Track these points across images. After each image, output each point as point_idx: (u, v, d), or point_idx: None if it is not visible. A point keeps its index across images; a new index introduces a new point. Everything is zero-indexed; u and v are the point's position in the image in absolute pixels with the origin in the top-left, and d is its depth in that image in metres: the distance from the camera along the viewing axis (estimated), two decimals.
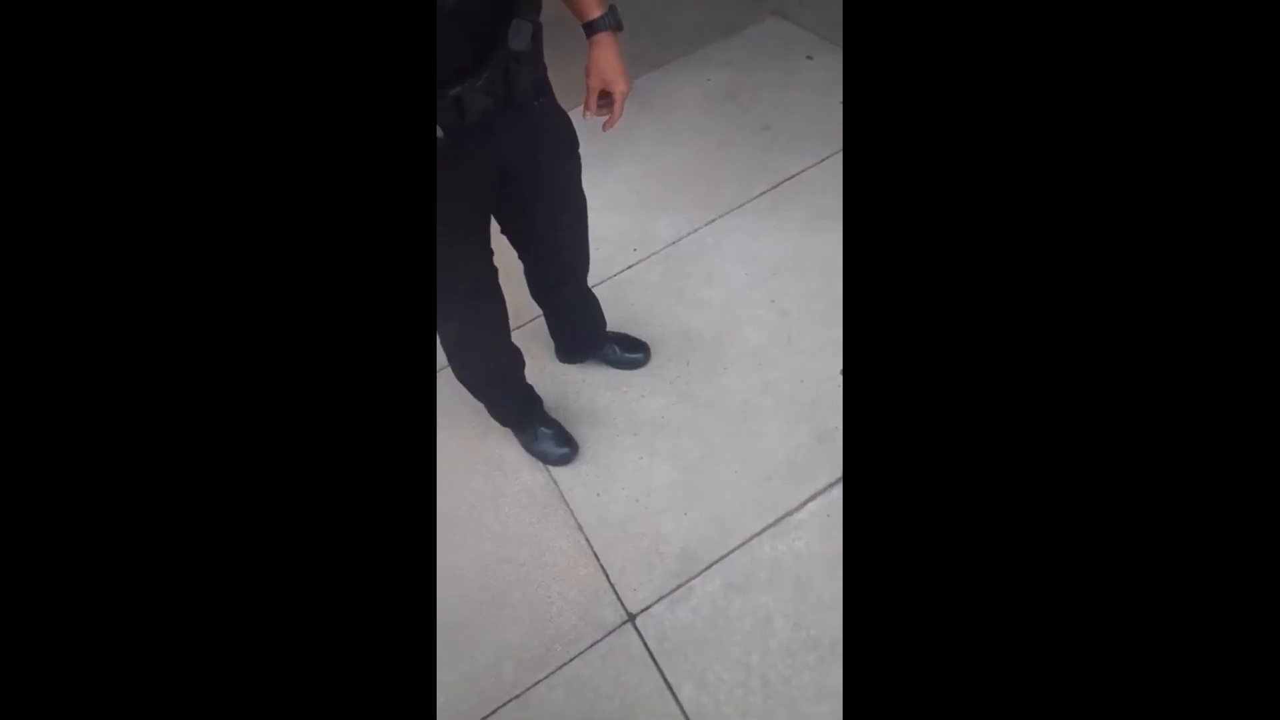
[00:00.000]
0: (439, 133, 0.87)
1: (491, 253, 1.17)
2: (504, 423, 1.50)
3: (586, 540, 1.39)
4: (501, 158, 1.02)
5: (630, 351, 1.62)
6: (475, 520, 1.44)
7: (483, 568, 1.37)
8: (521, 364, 1.39)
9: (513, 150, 1.02)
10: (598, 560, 1.36)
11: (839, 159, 2.02)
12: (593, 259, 1.39)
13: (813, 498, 1.39)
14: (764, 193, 1.97)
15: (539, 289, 1.39)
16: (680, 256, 1.86)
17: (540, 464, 1.50)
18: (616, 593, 1.31)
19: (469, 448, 1.55)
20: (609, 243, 1.86)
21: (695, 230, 1.91)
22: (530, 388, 1.46)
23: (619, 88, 1.03)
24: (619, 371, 1.63)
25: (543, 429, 1.49)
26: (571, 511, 1.43)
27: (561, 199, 1.19)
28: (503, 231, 1.19)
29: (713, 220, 1.92)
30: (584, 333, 1.58)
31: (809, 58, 2.36)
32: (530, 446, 1.50)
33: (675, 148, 2.13)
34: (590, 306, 1.52)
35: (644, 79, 2.34)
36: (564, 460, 1.48)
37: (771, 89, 2.26)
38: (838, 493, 1.39)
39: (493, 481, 1.50)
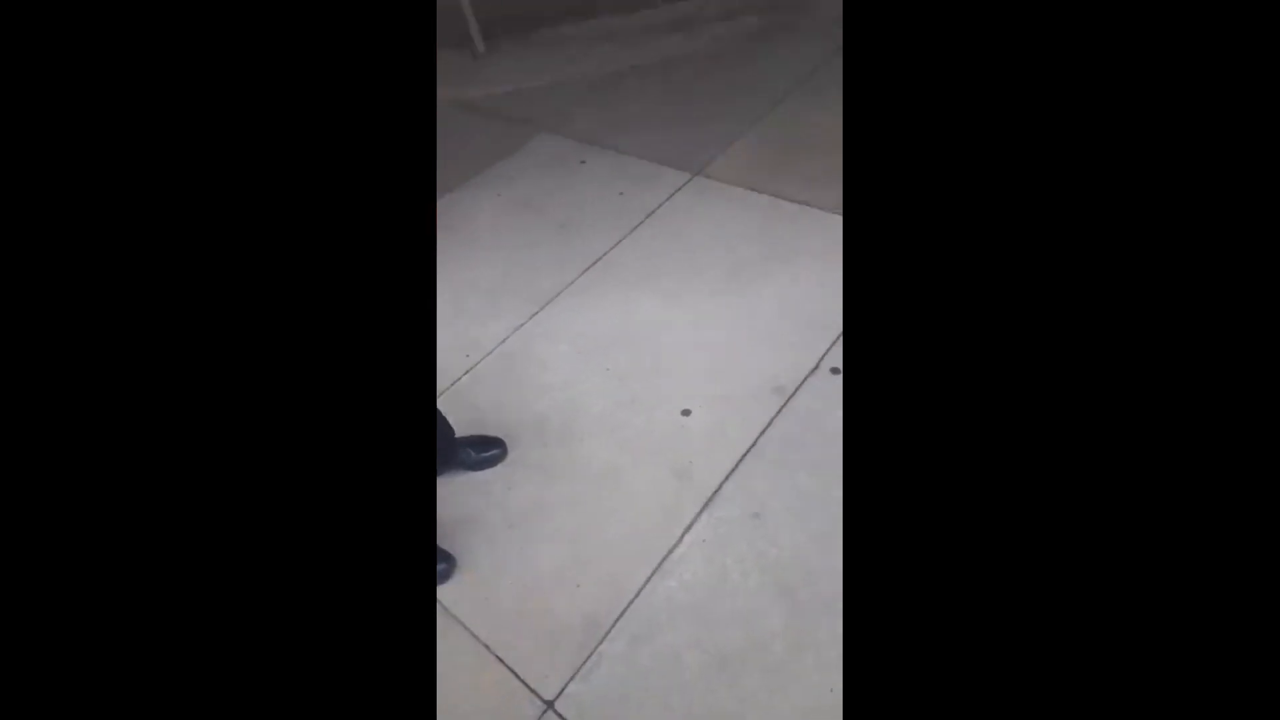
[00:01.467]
0: None
1: None
2: None
3: (486, 647, 1.32)
4: None
5: (485, 450, 1.62)
6: None
7: None
8: None
9: None
10: (502, 663, 1.29)
11: (630, 239, 2.23)
12: None
13: (687, 529, 1.44)
14: (575, 279, 2.12)
15: None
16: (513, 352, 1.91)
17: None
18: (529, 686, 1.25)
19: None
20: (442, 355, 1.88)
21: (522, 325, 1.98)
22: None
23: None
24: (482, 473, 1.61)
25: None
26: (464, 625, 1.36)
27: None
28: None
29: (536, 312, 2.02)
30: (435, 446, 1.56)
31: (582, 162, 2.62)
32: None
33: (485, 257, 2.24)
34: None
35: (441, 202, 2.45)
36: (443, 577, 1.42)
37: (558, 192, 2.47)
38: (706, 519, 1.46)
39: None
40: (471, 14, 3.16)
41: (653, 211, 2.32)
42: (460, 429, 1.60)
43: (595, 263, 2.16)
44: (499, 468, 1.62)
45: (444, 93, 3.10)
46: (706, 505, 1.48)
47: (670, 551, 1.41)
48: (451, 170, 2.62)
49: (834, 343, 1.76)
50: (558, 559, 1.44)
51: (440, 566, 1.42)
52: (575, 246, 2.23)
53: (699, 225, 2.23)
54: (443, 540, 1.47)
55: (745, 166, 2.43)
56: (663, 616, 1.31)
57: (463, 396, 1.79)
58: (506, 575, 1.42)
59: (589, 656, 1.28)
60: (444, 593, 1.41)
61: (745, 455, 1.57)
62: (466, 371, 1.87)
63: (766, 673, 1.22)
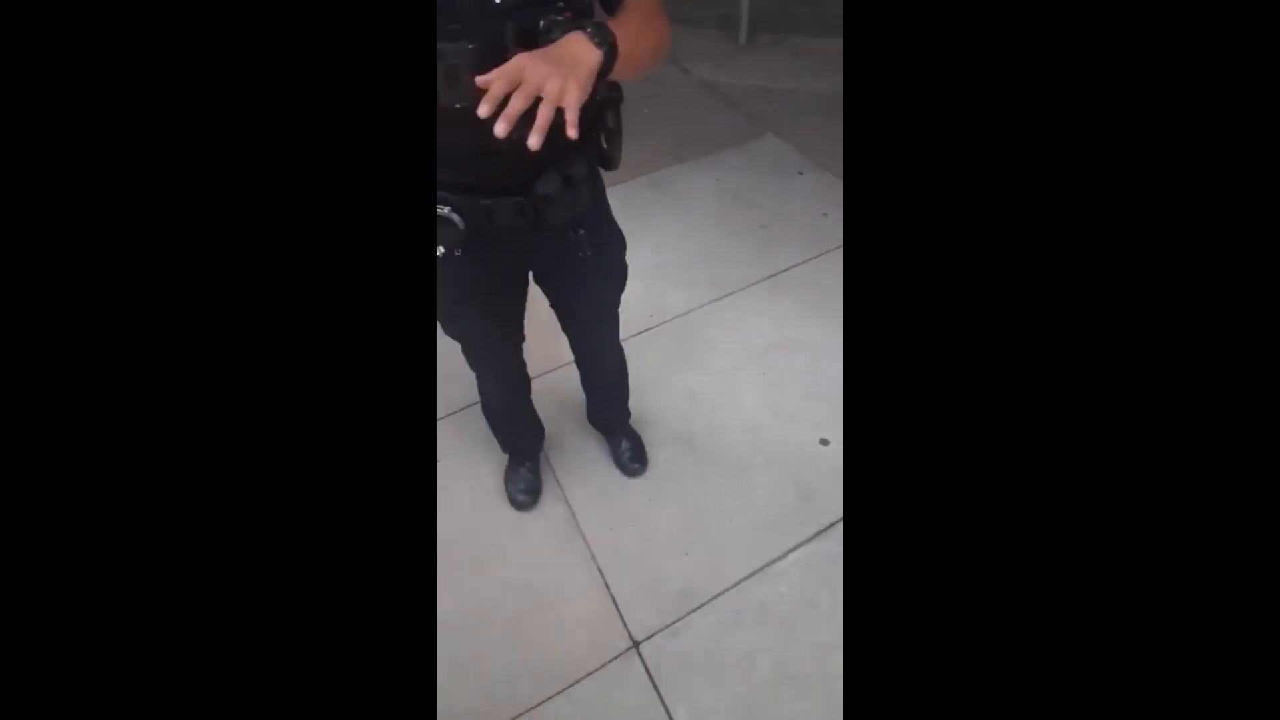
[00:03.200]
0: (459, 223, 0.78)
1: (515, 348, 1.19)
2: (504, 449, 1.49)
3: (599, 570, 1.39)
4: (526, 261, 0.98)
5: (634, 461, 1.54)
6: (499, 545, 1.43)
7: (504, 589, 1.35)
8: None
9: (540, 258, 0.96)
10: (608, 590, 1.36)
11: (820, 262, 2.13)
12: None
13: (794, 548, 1.42)
14: (760, 280, 2.06)
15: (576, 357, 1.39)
16: (688, 326, 1.92)
17: (561, 496, 1.50)
18: (624, 621, 1.31)
19: (498, 481, 1.54)
20: (630, 307, 1.89)
21: (703, 305, 1.97)
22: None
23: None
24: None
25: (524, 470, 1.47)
26: (587, 543, 1.43)
27: (588, 322, 1.19)
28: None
29: (718, 298, 2.00)
30: (604, 416, 1.56)
31: (800, 173, 2.50)
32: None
33: (690, 232, 2.22)
34: (614, 396, 1.50)
35: (666, 172, 2.45)
36: (524, 506, 1.47)
37: (769, 194, 2.39)
38: (816, 546, 1.43)
39: (516, 511, 1.49)
40: (747, 2, 3.03)
41: None
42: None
43: (782, 271, 2.10)
44: (649, 423, 1.65)
45: (699, 71, 3.03)
46: (819, 534, 1.45)
47: (774, 562, 1.40)
48: (685, 144, 2.60)
49: None
50: (675, 524, 1.47)
51: (524, 498, 1.48)
52: (769, 251, 2.16)
53: None
54: (587, 467, 1.53)
55: None
56: (751, 615, 1.32)
57: (636, 351, 1.81)
58: (631, 519, 1.47)
59: (680, 619, 1.31)
60: (579, 508, 1.48)
61: None
62: (645, 329, 1.89)
63: (829, 704, 1.20)
